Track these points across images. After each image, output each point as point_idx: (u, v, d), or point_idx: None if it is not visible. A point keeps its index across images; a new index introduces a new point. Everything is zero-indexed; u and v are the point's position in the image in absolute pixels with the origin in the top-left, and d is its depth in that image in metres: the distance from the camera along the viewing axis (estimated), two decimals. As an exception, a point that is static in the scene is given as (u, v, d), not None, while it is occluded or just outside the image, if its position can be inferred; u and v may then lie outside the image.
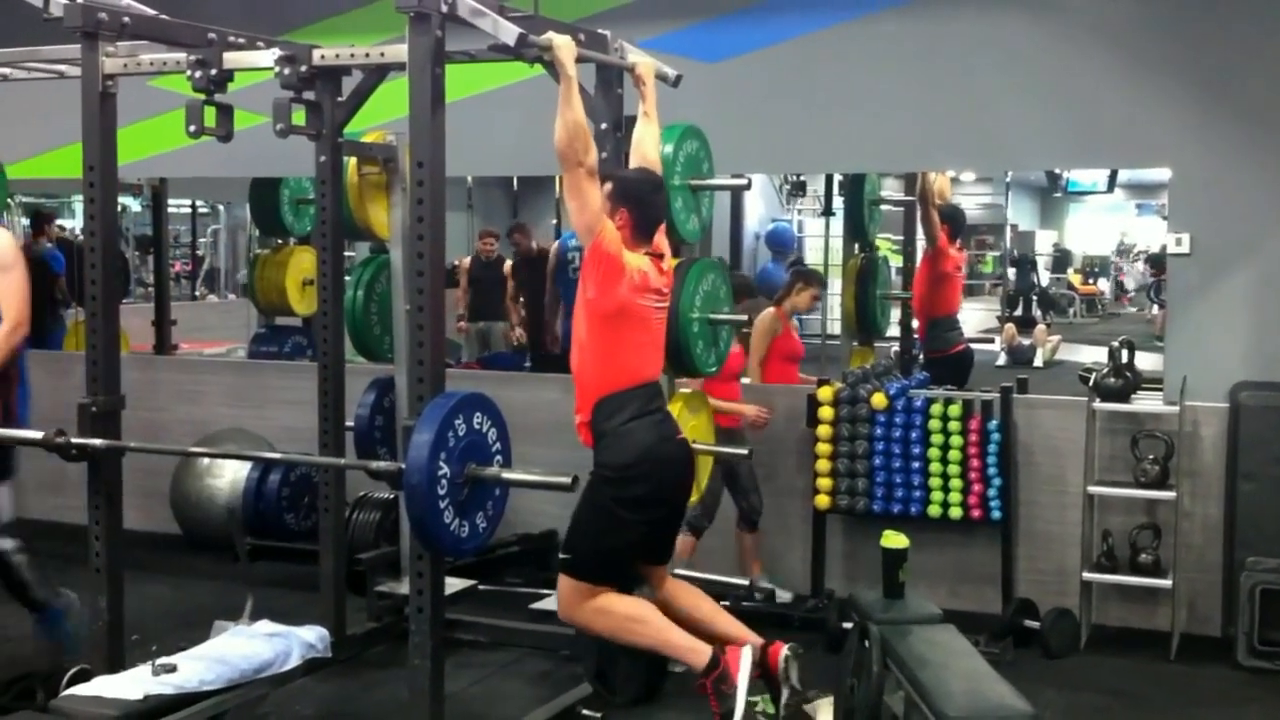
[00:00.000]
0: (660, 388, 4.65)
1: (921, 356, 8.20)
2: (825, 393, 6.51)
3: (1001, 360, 14.35)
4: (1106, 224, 24.85)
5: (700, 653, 4.39)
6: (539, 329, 9.58)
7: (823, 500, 6.54)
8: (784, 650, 4.40)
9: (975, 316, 18.83)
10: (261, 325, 9.58)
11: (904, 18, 6.59)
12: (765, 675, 4.38)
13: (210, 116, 4.81)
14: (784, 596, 6.44)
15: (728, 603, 6.32)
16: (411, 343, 4.30)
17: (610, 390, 4.44)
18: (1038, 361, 14.31)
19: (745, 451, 5.94)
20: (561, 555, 4.55)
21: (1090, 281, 23.29)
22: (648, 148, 4.90)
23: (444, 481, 3.96)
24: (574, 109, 4.29)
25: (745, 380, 6.86)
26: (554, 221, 12.25)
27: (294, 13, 7.56)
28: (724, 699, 4.30)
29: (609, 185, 4.54)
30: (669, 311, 5.26)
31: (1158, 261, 19.18)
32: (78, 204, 12.85)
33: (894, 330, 8.81)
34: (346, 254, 6.99)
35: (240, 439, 7.61)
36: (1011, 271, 19.11)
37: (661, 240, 4.65)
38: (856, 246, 8.70)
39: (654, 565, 4.73)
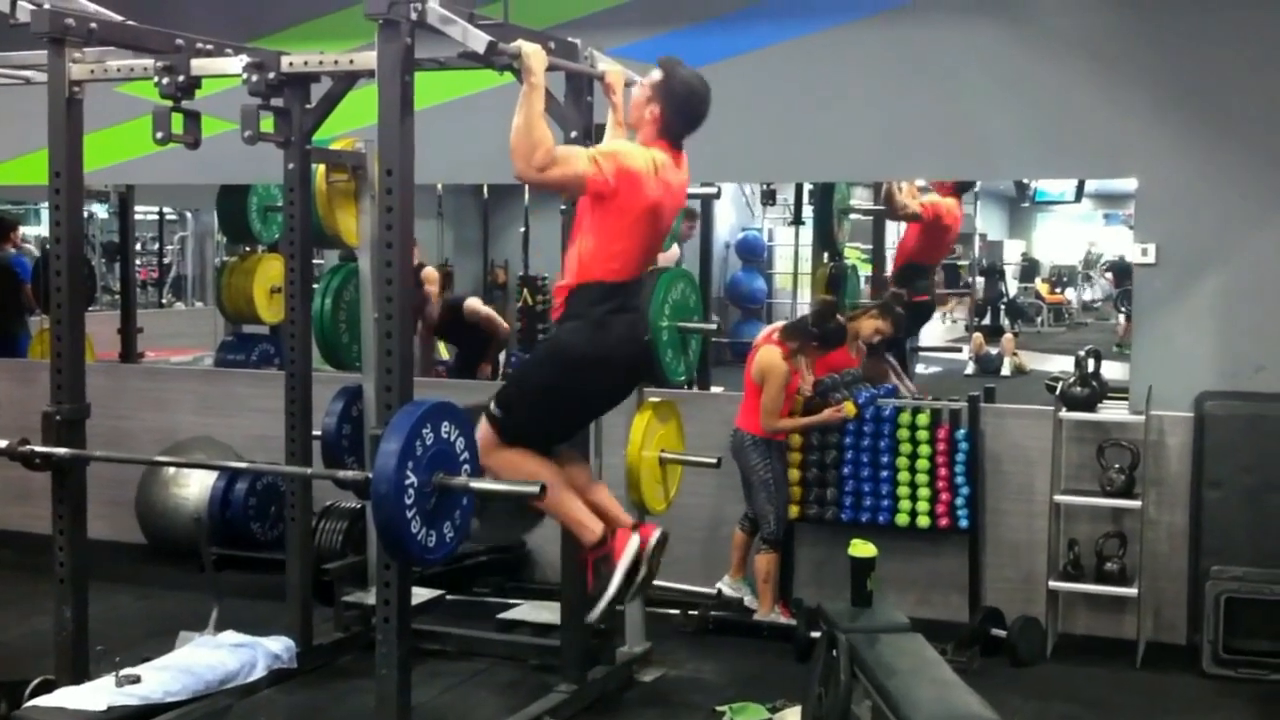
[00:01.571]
0: (641, 284, 4.61)
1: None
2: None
3: (970, 369, 14.39)
4: (1074, 234, 24.98)
5: (592, 530, 4.47)
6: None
7: (792, 509, 6.54)
8: (655, 533, 4.52)
9: (943, 326, 18.89)
10: (229, 333, 9.53)
11: (874, 28, 6.61)
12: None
13: (178, 123, 4.78)
14: (752, 603, 6.44)
15: (696, 612, 6.37)
16: (380, 351, 4.29)
17: (596, 278, 4.37)
18: (1005, 370, 14.36)
19: (715, 460, 5.95)
20: (493, 408, 4.47)
21: (1058, 291, 23.38)
22: None
23: (411, 491, 3.94)
24: (528, 116, 4.16)
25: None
26: (522, 229, 12.23)
27: (263, 19, 7.52)
28: (600, 578, 4.44)
29: (660, 75, 4.46)
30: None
31: (1121, 271, 19.28)
32: (44, 210, 12.75)
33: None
34: (315, 261, 6.97)
35: (207, 448, 7.57)
36: (980, 281, 19.17)
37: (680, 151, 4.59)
38: (826, 255, 8.73)
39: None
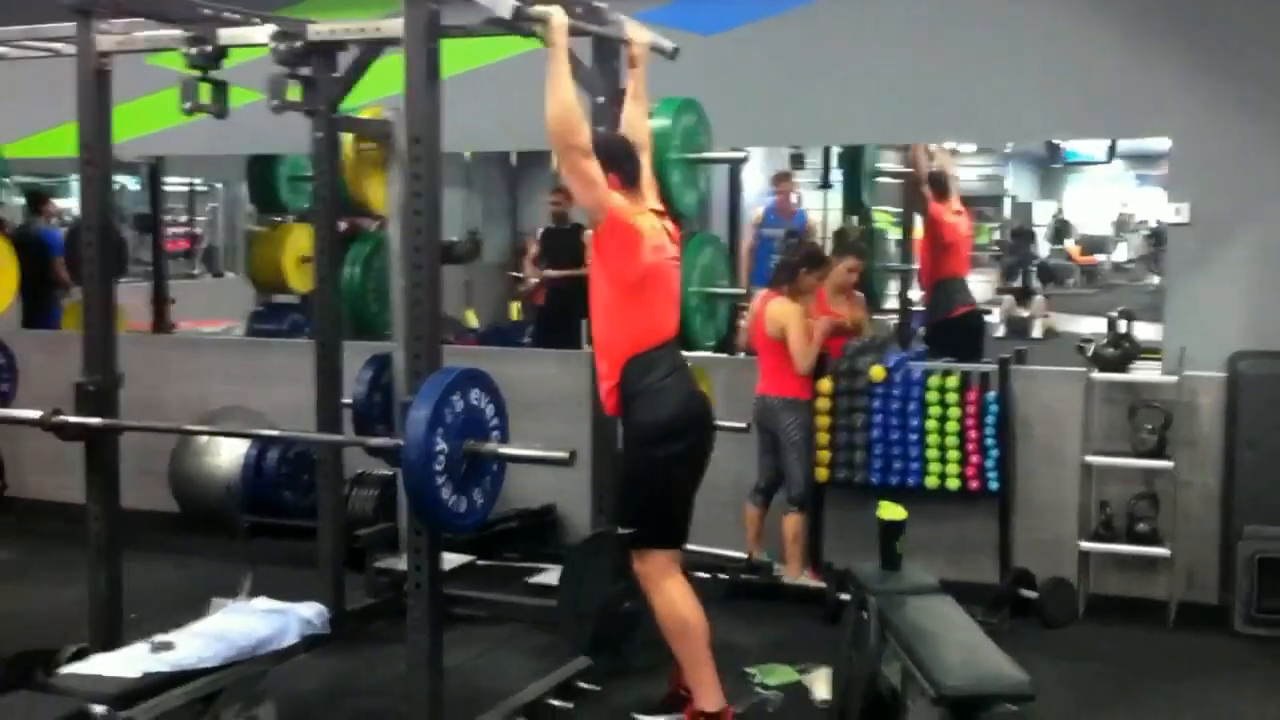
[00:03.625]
0: (679, 343, 4.66)
1: (923, 327, 8.15)
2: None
3: (1000, 331, 14.32)
4: (1106, 195, 24.78)
5: (713, 701, 4.56)
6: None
7: (821, 473, 6.55)
8: None
9: (975, 288, 18.80)
10: (259, 303, 9.57)
11: (900, -11, 6.58)
12: None
13: (205, 93, 4.80)
14: (780, 569, 6.45)
15: (726, 576, 6.38)
16: (409, 319, 4.30)
17: (639, 350, 4.46)
18: (1036, 332, 14.29)
19: (744, 425, 5.95)
20: (627, 532, 4.56)
21: (1089, 252, 23.23)
22: (638, 128, 4.86)
23: (441, 457, 3.96)
24: (562, 89, 4.24)
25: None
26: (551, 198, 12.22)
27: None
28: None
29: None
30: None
31: (1160, 239, 19.17)
32: (75, 182, 12.82)
33: (892, 303, 8.80)
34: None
35: (238, 417, 7.61)
36: (1010, 243, 19.08)
37: (653, 195, 4.69)
38: (855, 219, 8.69)
39: None
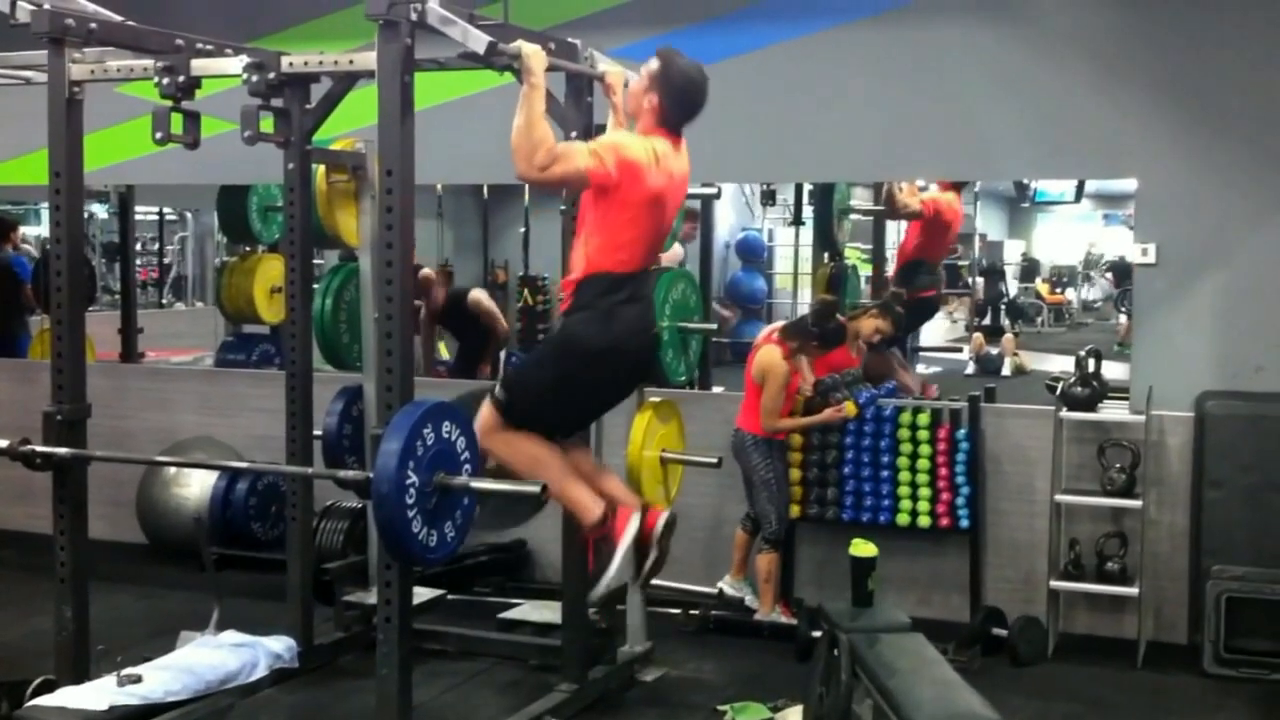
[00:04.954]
0: (648, 275, 4.62)
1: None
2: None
3: (970, 369, 14.39)
4: (1074, 234, 24.97)
5: (591, 510, 4.46)
6: None
7: (793, 509, 6.54)
8: (663, 516, 4.51)
9: (943, 325, 18.87)
10: (229, 333, 9.53)
11: (874, 28, 6.61)
12: (637, 539, 4.49)
13: (177, 123, 4.77)
14: (753, 603, 6.44)
15: (697, 612, 6.37)
16: (380, 351, 4.29)
17: (609, 269, 4.38)
18: (1005, 370, 14.36)
19: (715, 460, 5.95)
20: (498, 392, 4.47)
21: (1058, 291, 23.39)
22: None
23: (412, 490, 3.94)
24: (529, 116, 4.18)
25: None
26: (522, 230, 12.23)
27: (263, 19, 7.52)
28: (601, 558, 4.46)
29: (657, 64, 4.47)
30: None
31: (1121, 271, 19.35)
32: (44, 210, 12.76)
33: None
34: (315, 261, 6.97)
35: (207, 448, 7.57)
36: (980, 281, 19.19)
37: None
38: (826, 255, 8.74)
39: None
